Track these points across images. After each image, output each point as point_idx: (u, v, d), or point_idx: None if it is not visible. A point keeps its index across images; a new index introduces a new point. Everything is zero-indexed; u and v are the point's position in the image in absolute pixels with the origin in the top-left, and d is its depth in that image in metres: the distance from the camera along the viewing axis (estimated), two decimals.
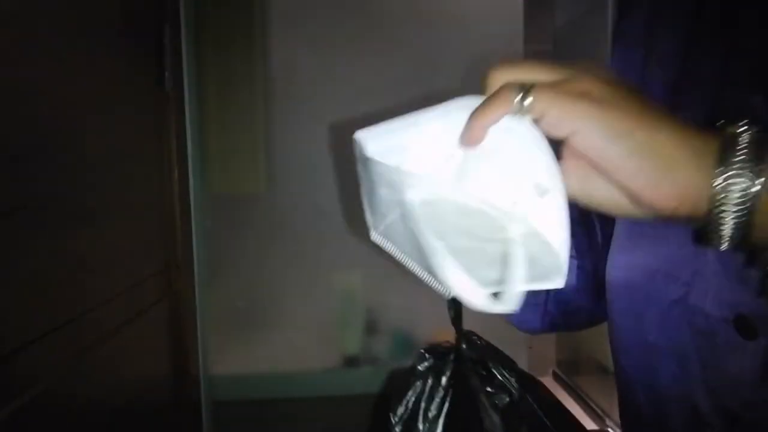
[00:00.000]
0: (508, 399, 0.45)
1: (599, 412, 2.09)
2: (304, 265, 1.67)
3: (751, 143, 0.30)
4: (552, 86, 0.34)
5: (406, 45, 1.56)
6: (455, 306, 0.48)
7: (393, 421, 0.45)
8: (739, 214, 0.30)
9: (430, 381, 0.46)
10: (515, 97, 0.34)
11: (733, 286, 0.43)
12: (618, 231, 0.54)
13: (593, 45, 1.95)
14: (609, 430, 2.00)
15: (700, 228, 0.32)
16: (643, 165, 0.32)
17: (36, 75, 0.74)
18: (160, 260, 1.16)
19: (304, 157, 1.65)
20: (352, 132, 0.39)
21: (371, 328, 1.66)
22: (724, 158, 0.30)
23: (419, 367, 0.47)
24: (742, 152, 0.30)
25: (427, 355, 0.48)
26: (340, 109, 1.62)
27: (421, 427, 0.44)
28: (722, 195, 0.30)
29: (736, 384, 0.44)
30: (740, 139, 0.31)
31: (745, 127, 0.31)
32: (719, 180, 0.30)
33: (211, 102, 1.52)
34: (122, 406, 0.97)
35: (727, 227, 0.31)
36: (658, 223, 0.39)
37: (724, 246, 0.32)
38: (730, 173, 0.30)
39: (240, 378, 1.64)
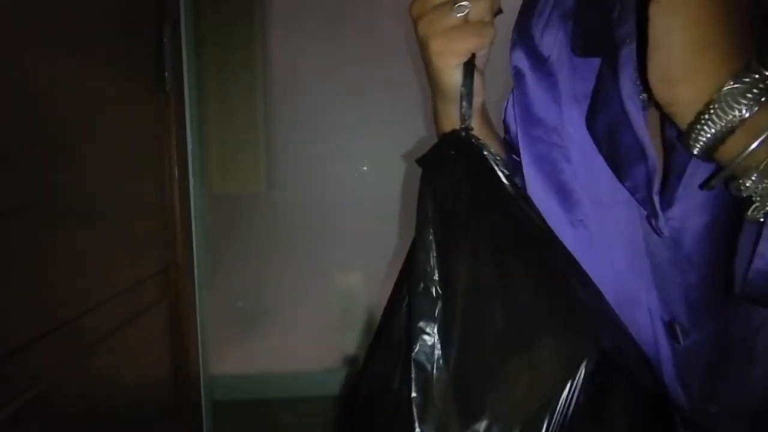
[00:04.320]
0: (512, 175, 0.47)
1: None
2: (304, 265, 1.67)
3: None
4: None
5: (406, 44, 1.56)
6: (468, 89, 0.47)
7: (428, 207, 0.43)
8: (723, 127, 0.32)
9: (456, 164, 0.46)
10: None
11: (664, 295, 0.46)
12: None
13: None
14: None
15: (684, 130, 0.35)
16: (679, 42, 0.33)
17: (36, 75, 0.74)
18: (160, 260, 1.15)
19: (304, 157, 1.65)
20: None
21: (371, 328, 1.66)
22: (739, 76, 0.32)
23: (446, 153, 0.47)
24: (757, 84, 0.32)
25: (442, 145, 0.48)
26: (340, 109, 1.61)
27: (463, 200, 0.44)
28: (719, 104, 0.32)
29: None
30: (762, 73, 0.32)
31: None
32: (725, 90, 0.32)
33: (211, 102, 1.52)
34: (122, 406, 0.97)
35: (708, 134, 0.33)
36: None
37: (695, 150, 0.34)
38: (737, 90, 0.32)
39: (240, 378, 1.64)
